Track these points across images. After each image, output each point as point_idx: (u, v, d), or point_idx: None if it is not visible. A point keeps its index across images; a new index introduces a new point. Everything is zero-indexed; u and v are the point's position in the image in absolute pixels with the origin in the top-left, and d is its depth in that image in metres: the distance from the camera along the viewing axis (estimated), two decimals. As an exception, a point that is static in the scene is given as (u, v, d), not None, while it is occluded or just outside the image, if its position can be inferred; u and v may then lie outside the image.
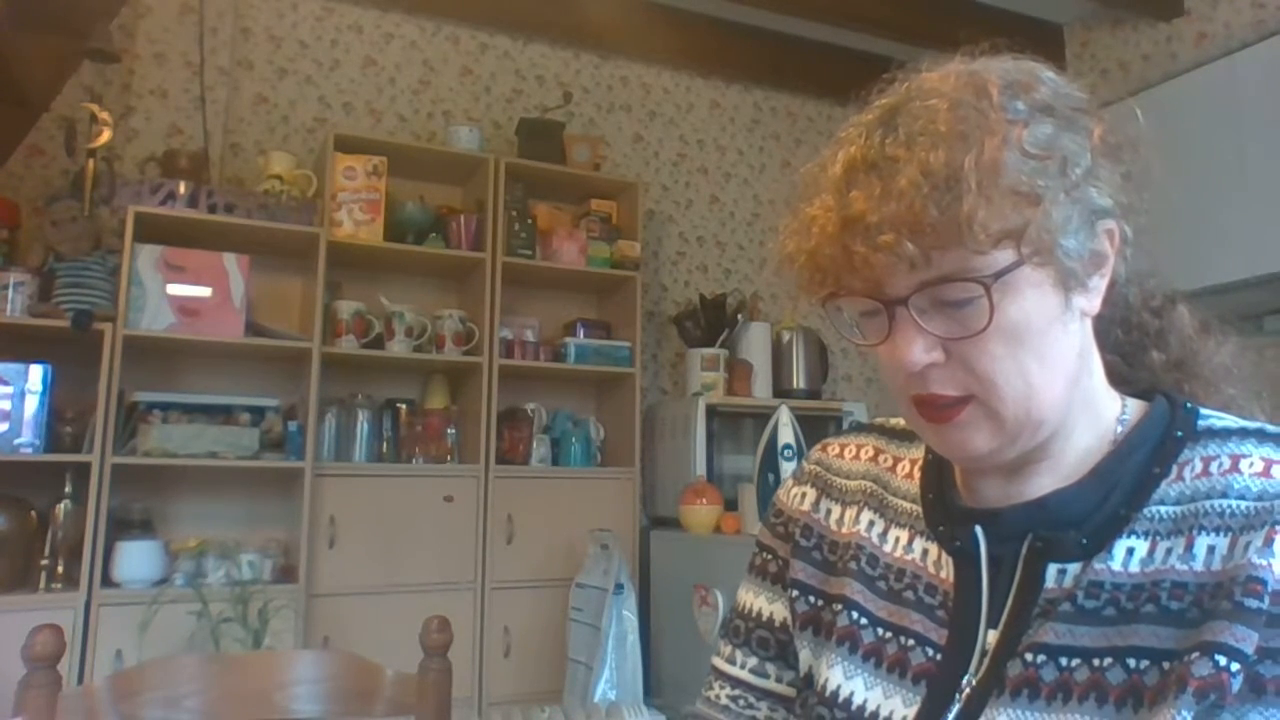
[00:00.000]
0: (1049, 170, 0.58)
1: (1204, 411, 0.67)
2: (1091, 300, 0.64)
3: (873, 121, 0.63)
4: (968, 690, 0.64)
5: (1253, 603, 0.55)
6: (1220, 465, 0.62)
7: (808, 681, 0.74)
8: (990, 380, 0.60)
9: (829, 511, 0.79)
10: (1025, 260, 0.58)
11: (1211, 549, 0.59)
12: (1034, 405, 0.61)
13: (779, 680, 0.79)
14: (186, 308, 2.73)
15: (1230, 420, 0.66)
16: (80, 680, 2.39)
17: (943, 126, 0.58)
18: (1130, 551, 0.62)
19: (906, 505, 0.75)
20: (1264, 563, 0.56)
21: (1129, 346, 0.75)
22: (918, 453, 0.77)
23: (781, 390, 3.67)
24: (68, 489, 2.57)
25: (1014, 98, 0.60)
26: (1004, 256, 0.58)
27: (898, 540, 0.73)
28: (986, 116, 0.58)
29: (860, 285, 0.61)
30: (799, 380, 3.71)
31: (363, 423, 3.06)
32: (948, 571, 0.69)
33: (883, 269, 0.59)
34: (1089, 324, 0.65)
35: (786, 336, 3.76)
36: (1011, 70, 0.63)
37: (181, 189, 2.77)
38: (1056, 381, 0.62)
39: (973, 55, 0.65)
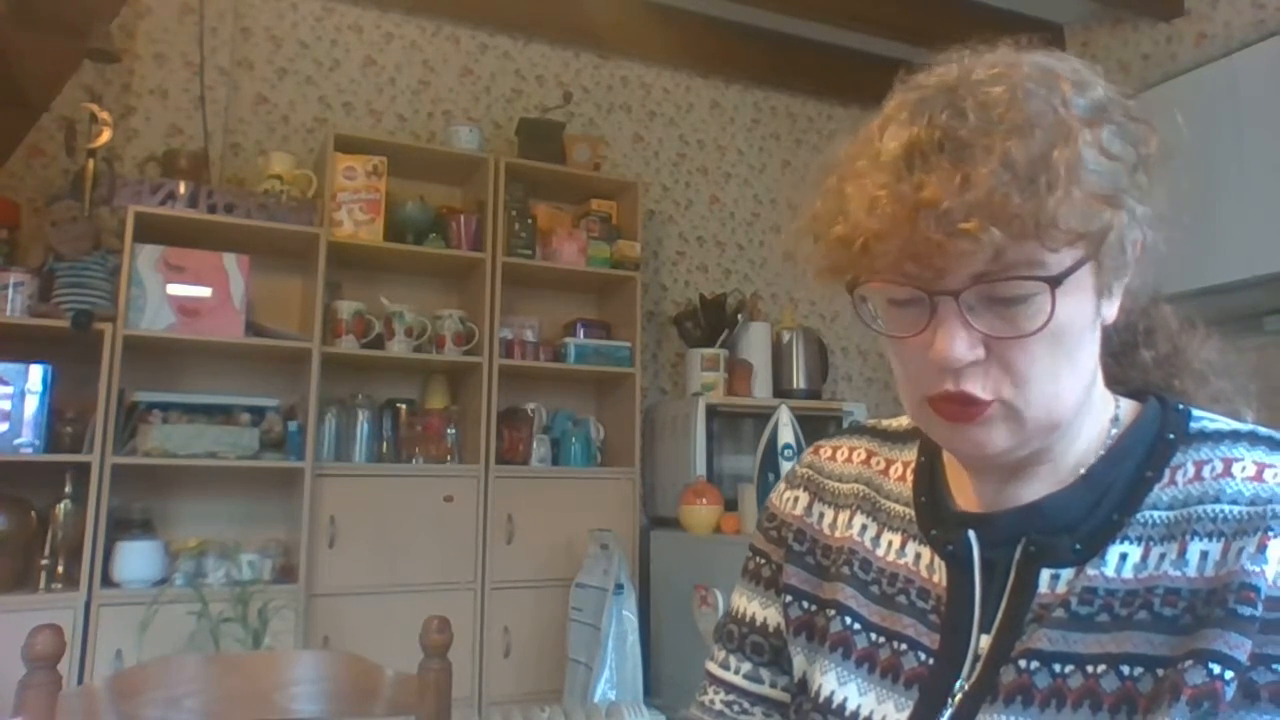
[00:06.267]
0: (1121, 174, 0.58)
1: (1195, 413, 0.67)
2: (1112, 307, 0.64)
3: (929, 100, 0.59)
4: (960, 695, 0.64)
5: (1246, 610, 0.55)
6: (1213, 469, 0.62)
7: (801, 687, 0.74)
8: (1025, 382, 0.59)
9: (821, 516, 0.79)
10: (1088, 260, 0.58)
11: (1204, 555, 0.59)
12: (1056, 409, 0.61)
13: (773, 685, 0.78)
14: (186, 308, 2.73)
15: (1222, 422, 0.66)
16: (80, 680, 2.39)
17: (1019, 115, 0.56)
18: (1123, 557, 0.62)
19: (899, 509, 0.75)
20: (1257, 569, 0.56)
21: (1120, 346, 0.75)
22: (910, 455, 0.77)
23: (781, 390, 3.67)
24: (68, 489, 2.57)
25: (1080, 94, 0.59)
26: (1069, 256, 0.57)
27: (890, 544, 0.73)
28: (1060, 112, 0.57)
29: (915, 272, 0.58)
30: (799, 380, 3.72)
31: (363, 423, 3.06)
32: (940, 576, 0.69)
33: (953, 257, 0.56)
34: (1100, 329, 0.65)
35: (786, 336, 3.76)
36: (1069, 68, 0.61)
37: (181, 189, 2.78)
38: (1079, 386, 0.62)
39: (1018, 47, 0.63)
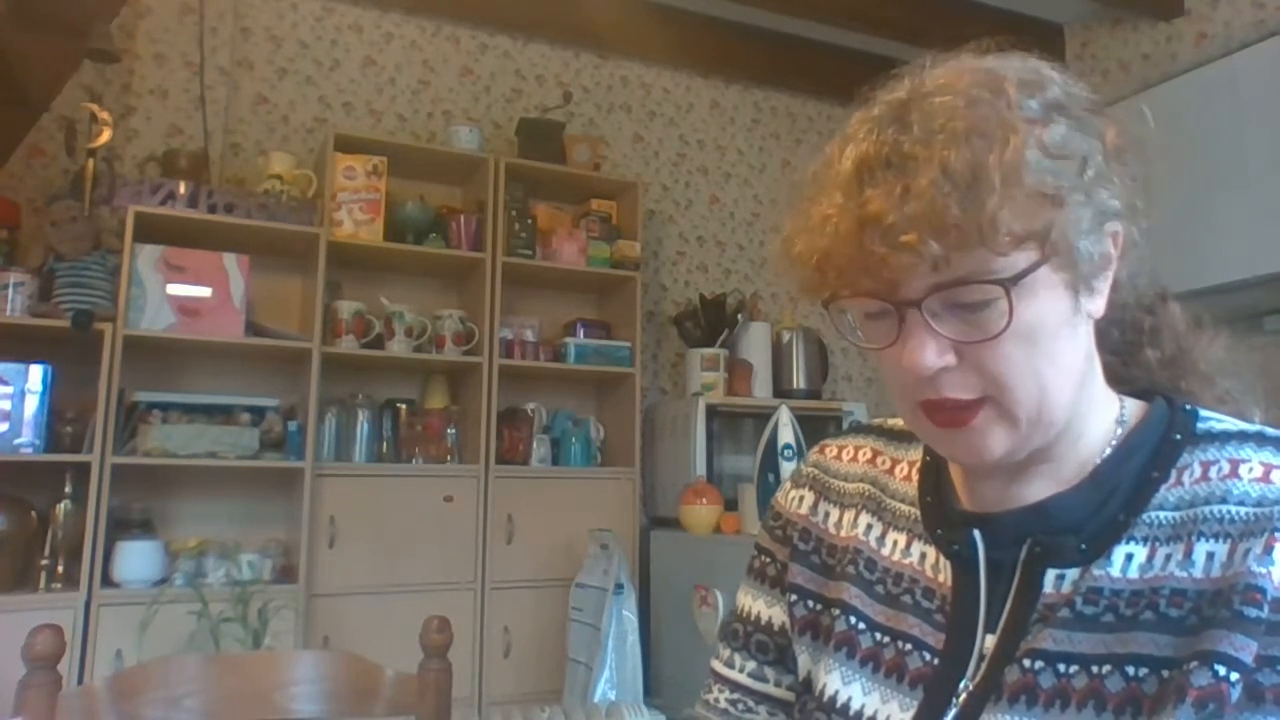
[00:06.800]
0: (1069, 171, 0.58)
1: (1203, 413, 0.67)
2: (1096, 302, 0.63)
3: (882, 117, 0.61)
4: (964, 695, 0.64)
5: (1252, 611, 0.55)
6: (1219, 470, 0.62)
7: (806, 686, 0.74)
8: (1004, 382, 0.60)
9: (827, 515, 0.79)
10: (1044, 262, 0.58)
11: (1211, 556, 0.59)
12: (1046, 406, 0.61)
13: (778, 684, 0.78)
14: (186, 308, 2.73)
15: (1230, 423, 0.65)
16: (80, 680, 2.39)
17: (961, 124, 0.57)
18: (1129, 558, 0.62)
19: (904, 508, 0.74)
20: (1263, 570, 0.56)
21: (1124, 346, 0.75)
22: (916, 454, 0.77)
23: (781, 390, 3.67)
24: (68, 489, 2.57)
25: (1029, 96, 0.59)
26: (1023, 258, 0.57)
27: (896, 544, 0.73)
28: (1005, 115, 0.57)
29: (872, 286, 0.60)
30: (799, 380, 3.71)
31: (363, 423, 3.06)
32: (946, 576, 0.69)
33: (900, 270, 0.58)
34: (1092, 326, 0.65)
35: (786, 336, 3.76)
36: (1022, 68, 0.62)
37: (181, 189, 2.77)
38: (1067, 384, 0.62)
39: (980, 52, 0.64)
